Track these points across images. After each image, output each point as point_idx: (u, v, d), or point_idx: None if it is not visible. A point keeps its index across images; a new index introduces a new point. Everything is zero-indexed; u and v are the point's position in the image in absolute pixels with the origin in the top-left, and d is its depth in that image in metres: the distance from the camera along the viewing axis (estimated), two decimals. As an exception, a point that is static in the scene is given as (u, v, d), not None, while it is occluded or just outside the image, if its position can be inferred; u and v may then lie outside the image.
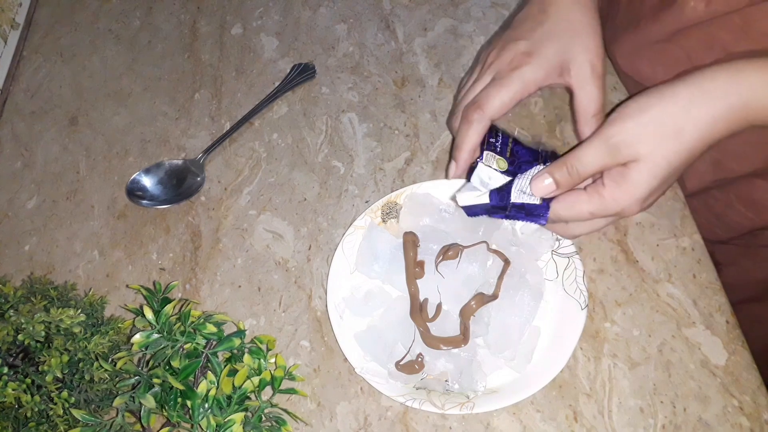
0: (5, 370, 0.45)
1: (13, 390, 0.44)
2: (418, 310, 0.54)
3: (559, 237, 0.55)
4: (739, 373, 0.50)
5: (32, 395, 0.45)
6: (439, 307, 0.54)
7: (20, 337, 0.46)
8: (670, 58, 0.57)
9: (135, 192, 0.66)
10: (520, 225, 0.57)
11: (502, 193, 0.50)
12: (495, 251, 0.55)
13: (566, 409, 0.50)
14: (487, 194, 0.50)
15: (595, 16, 0.56)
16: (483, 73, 0.57)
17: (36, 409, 0.45)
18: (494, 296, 0.53)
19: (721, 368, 0.51)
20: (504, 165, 0.53)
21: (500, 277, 0.54)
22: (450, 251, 0.54)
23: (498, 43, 0.58)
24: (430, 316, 0.54)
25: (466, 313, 0.52)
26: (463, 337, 0.52)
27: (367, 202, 0.63)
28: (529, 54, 0.54)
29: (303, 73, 0.73)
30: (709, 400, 0.49)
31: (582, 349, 0.53)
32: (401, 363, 0.52)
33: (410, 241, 0.56)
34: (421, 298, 0.55)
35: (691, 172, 0.63)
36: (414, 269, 0.55)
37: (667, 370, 0.51)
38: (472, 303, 0.52)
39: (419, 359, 0.52)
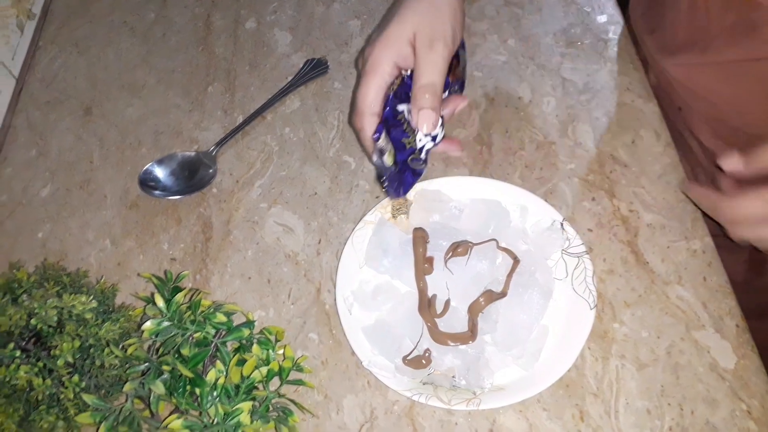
0: (18, 353, 0.46)
1: (26, 373, 0.45)
2: (426, 305, 0.54)
3: (571, 237, 0.55)
4: (748, 378, 0.50)
5: (44, 379, 0.46)
6: (447, 303, 0.54)
7: (33, 321, 0.46)
8: (743, 78, 0.57)
9: (147, 182, 0.66)
10: (530, 224, 0.57)
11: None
12: (504, 249, 0.55)
13: (573, 409, 0.50)
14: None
15: None
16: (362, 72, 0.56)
17: (47, 393, 0.46)
18: (503, 294, 0.53)
19: (730, 372, 0.50)
20: (392, 155, 0.55)
21: (509, 275, 0.54)
22: (459, 248, 0.55)
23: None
24: (438, 312, 0.54)
25: (474, 310, 0.53)
26: (471, 334, 0.52)
27: (377, 197, 0.64)
28: (378, 40, 0.53)
29: (316, 68, 0.73)
30: (717, 403, 0.49)
31: (590, 349, 0.53)
32: (408, 358, 0.52)
33: (420, 237, 0.56)
34: (430, 294, 0.55)
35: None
36: (423, 265, 0.55)
37: (675, 372, 0.51)
38: (481, 300, 0.52)
39: (426, 354, 0.52)
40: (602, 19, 0.75)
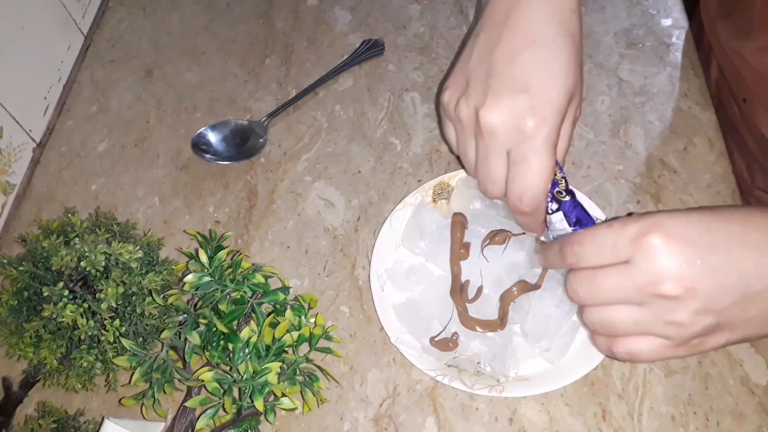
0: (66, 293, 0.48)
1: (71, 312, 0.47)
2: (458, 290, 0.54)
3: None
4: (780, 396, 0.49)
5: (87, 320, 0.48)
6: (479, 290, 0.54)
7: (83, 264, 0.48)
8: None
9: (200, 146, 0.68)
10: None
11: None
12: (543, 243, 0.55)
13: (596, 407, 0.50)
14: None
15: (579, 28, 0.46)
16: (490, 148, 0.45)
17: (89, 333, 0.48)
18: (537, 286, 0.53)
19: (762, 387, 0.50)
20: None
21: (545, 269, 0.54)
22: (497, 236, 0.55)
23: (482, 94, 0.45)
24: (469, 298, 0.54)
25: (506, 299, 0.53)
26: (500, 322, 0.52)
27: (419, 180, 0.64)
28: (536, 112, 0.43)
29: (372, 48, 0.74)
30: (745, 417, 0.49)
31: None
32: (436, 339, 0.53)
33: (459, 222, 0.56)
34: (463, 279, 0.55)
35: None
36: (459, 250, 0.56)
37: (704, 382, 0.50)
38: (514, 289, 0.53)
39: (454, 338, 0.53)
40: (667, 22, 0.73)
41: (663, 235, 0.36)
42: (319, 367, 0.50)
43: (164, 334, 0.48)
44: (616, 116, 0.66)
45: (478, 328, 0.53)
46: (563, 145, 0.46)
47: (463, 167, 0.52)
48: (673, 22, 0.73)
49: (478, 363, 0.52)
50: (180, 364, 0.50)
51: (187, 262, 0.52)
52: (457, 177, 0.60)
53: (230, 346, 0.47)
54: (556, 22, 0.44)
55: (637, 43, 0.71)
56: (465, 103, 0.46)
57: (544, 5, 0.44)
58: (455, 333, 0.53)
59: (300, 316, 0.51)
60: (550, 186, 0.45)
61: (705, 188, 0.60)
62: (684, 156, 0.62)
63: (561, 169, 0.47)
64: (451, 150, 0.52)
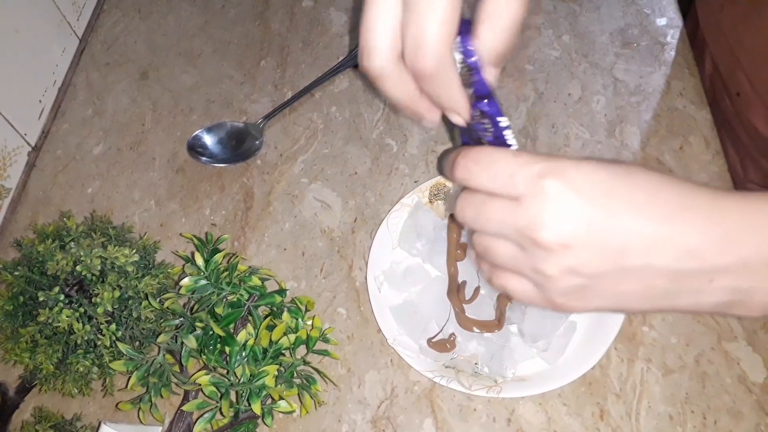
0: (62, 297, 0.48)
1: (67, 317, 0.47)
2: (455, 290, 0.54)
3: None
4: (777, 394, 0.49)
5: (83, 324, 0.48)
6: (477, 290, 0.54)
7: (78, 268, 0.48)
8: None
9: (195, 148, 0.68)
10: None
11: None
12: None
13: (593, 407, 0.50)
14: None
15: None
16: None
17: (86, 338, 0.48)
18: (533, 286, 0.53)
19: (759, 386, 0.50)
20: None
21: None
22: (494, 237, 0.55)
23: None
24: (467, 299, 0.54)
25: (503, 300, 0.53)
26: (497, 323, 0.52)
27: (416, 181, 0.64)
28: None
29: (368, 50, 0.74)
30: (742, 416, 0.49)
31: (616, 349, 0.52)
32: (433, 340, 0.53)
33: (455, 223, 0.56)
34: (460, 280, 0.55)
35: None
36: (456, 251, 0.56)
37: (702, 381, 0.50)
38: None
39: (451, 339, 0.53)
40: (662, 22, 0.73)
41: (560, 184, 0.34)
42: (316, 369, 0.50)
43: (161, 338, 0.48)
44: (612, 116, 0.66)
45: (475, 329, 0.53)
46: (500, 35, 0.36)
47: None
48: (668, 22, 0.73)
49: (476, 364, 0.52)
50: (177, 368, 0.50)
51: (184, 266, 0.52)
52: (453, 178, 0.60)
53: (227, 349, 0.47)
54: None
55: (632, 42, 0.71)
56: None
57: None
58: (452, 334, 0.53)
59: (297, 319, 0.50)
60: (448, 35, 0.34)
61: (701, 187, 0.60)
62: (680, 155, 0.63)
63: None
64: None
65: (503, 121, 0.38)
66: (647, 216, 0.33)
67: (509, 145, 0.39)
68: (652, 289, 0.34)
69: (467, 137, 0.42)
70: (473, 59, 0.37)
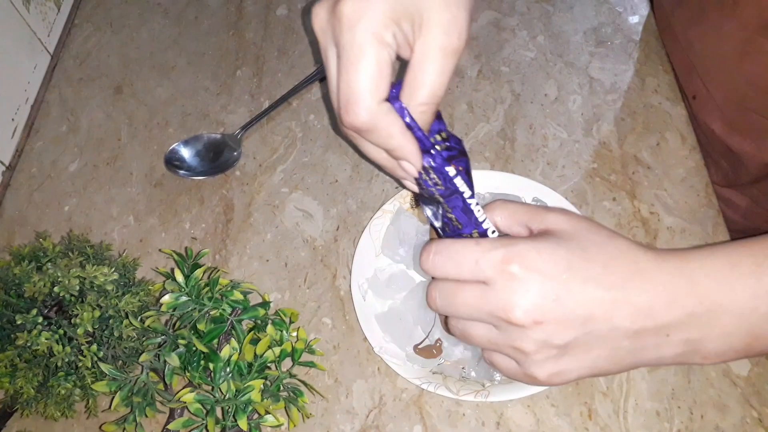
0: (40, 320, 0.47)
1: (46, 339, 0.46)
2: (440, 296, 0.54)
3: None
4: (761, 385, 0.50)
5: (63, 346, 0.47)
6: (461, 295, 0.54)
7: (56, 289, 0.47)
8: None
9: (173, 162, 0.67)
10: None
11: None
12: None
13: (581, 406, 0.50)
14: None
15: None
16: (322, 48, 0.40)
17: (66, 360, 0.47)
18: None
19: (743, 379, 0.50)
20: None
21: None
22: (476, 241, 0.55)
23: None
24: (451, 303, 0.54)
25: (487, 303, 0.53)
26: (483, 326, 0.52)
27: (397, 187, 0.64)
28: (359, 6, 0.36)
29: (344, 56, 0.74)
30: (728, 409, 0.49)
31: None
32: (420, 347, 0.52)
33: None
34: (445, 285, 0.55)
35: (756, 156, 0.62)
36: (439, 256, 0.56)
37: (687, 376, 0.51)
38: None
39: (438, 344, 0.53)
40: (634, 19, 0.74)
41: (524, 267, 0.37)
42: (303, 381, 0.50)
43: (143, 357, 0.47)
44: (589, 115, 0.66)
45: (461, 334, 0.53)
46: (427, 78, 0.38)
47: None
48: (640, 19, 0.74)
49: (463, 368, 0.52)
50: (161, 386, 0.50)
51: (164, 282, 0.51)
52: (433, 182, 0.60)
53: (211, 365, 0.46)
54: None
55: (606, 41, 0.72)
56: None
57: None
58: (439, 340, 0.53)
59: (282, 331, 0.50)
60: (376, 88, 0.37)
61: (679, 182, 0.61)
62: (657, 151, 0.63)
63: (440, 121, 0.42)
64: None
65: (450, 171, 0.41)
66: (604, 286, 0.38)
67: (461, 192, 0.42)
68: (618, 350, 0.38)
69: (429, 208, 0.45)
70: (406, 119, 0.39)
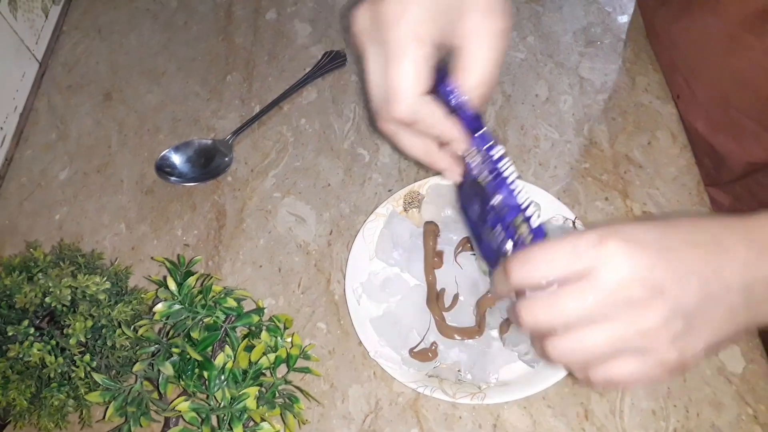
0: (32, 331, 0.47)
1: (39, 350, 0.46)
2: (434, 299, 0.54)
3: None
4: (756, 382, 0.50)
5: (56, 357, 0.47)
6: (455, 297, 0.54)
7: (48, 299, 0.47)
8: (752, 50, 0.56)
9: (164, 168, 0.67)
10: (542, 222, 0.57)
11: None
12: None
13: (577, 407, 0.50)
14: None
15: None
16: (364, 51, 0.41)
17: (59, 371, 0.47)
18: (512, 290, 0.53)
19: (738, 376, 0.50)
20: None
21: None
22: (470, 242, 0.55)
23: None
24: (446, 306, 0.54)
25: (482, 305, 0.53)
26: (478, 329, 0.52)
27: (390, 190, 0.64)
28: (399, 7, 0.38)
29: (334, 60, 0.74)
30: (724, 407, 0.49)
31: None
32: (415, 350, 0.52)
33: (431, 231, 0.56)
34: (439, 287, 0.55)
35: (738, 155, 0.62)
36: (433, 259, 0.56)
37: (682, 375, 0.51)
38: (489, 295, 0.53)
39: (433, 347, 0.52)
40: (623, 19, 0.74)
41: (622, 240, 0.34)
42: (298, 387, 0.50)
43: (136, 367, 0.47)
44: (580, 115, 0.66)
45: (456, 336, 0.53)
46: (484, 63, 0.39)
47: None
48: (629, 19, 0.74)
49: (459, 371, 0.52)
50: (156, 395, 0.49)
51: (157, 290, 0.51)
52: (427, 185, 0.60)
53: (205, 373, 0.46)
54: None
55: (596, 40, 0.72)
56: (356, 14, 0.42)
57: None
58: (434, 343, 0.53)
59: (276, 337, 0.50)
60: (416, 83, 0.39)
61: (671, 181, 0.61)
62: (648, 150, 0.63)
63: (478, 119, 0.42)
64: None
65: (497, 151, 0.41)
66: (703, 245, 0.36)
67: (506, 179, 0.40)
68: (736, 308, 0.36)
69: (469, 207, 0.44)
70: (454, 100, 0.40)
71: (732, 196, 0.60)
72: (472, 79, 0.40)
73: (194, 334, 0.47)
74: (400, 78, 0.38)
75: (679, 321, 0.35)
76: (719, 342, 0.37)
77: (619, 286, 0.34)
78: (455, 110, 0.41)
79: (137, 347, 0.49)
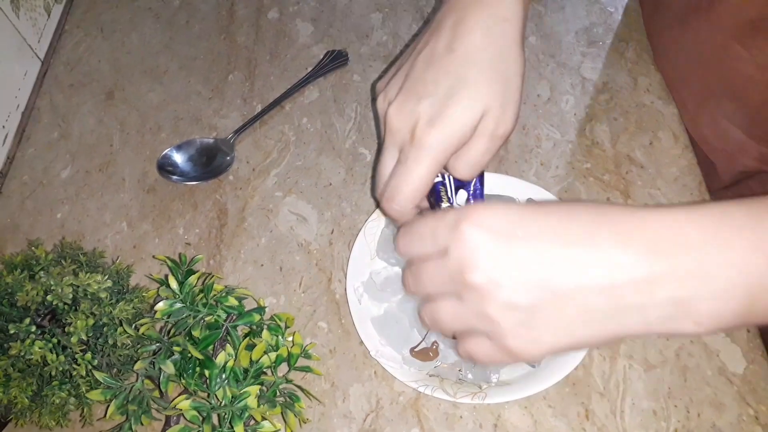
0: (33, 329, 0.47)
1: (40, 348, 0.46)
2: (436, 298, 0.54)
3: None
4: (757, 383, 0.50)
5: (57, 355, 0.47)
6: (457, 297, 0.54)
7: (49, 298, 0.47)
8: (740, 58, 0.56)
9: (166, 167, 0.67)
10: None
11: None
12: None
13: (578, 407, 0.50)
14: None
15: (517, 42, 0.44)
16: (387, 143, 0.46)
17: (60, 369, 0.47)
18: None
19: (739, 376, 0.50)
20: None
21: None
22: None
23: (397, 94, 0.45)
24: (447, 306, 0.54)
25: (483, 305, 0.53)
26: (479, 328, 0.52)
27: (391, 190, 0.64)
28: (433, 122, 0.42)
29: (336, 59, 0.74)
30: (724, 407, 0.49)
31: (598, 348, 0.53)
32: (416, 350, 0.52)
33: (432, 231, 0.56)
34: (440, 287, 0.55)
35: (729, 163, 0.62)
36: (434, 258, 0.56)
37: (683, 374, 0.51)
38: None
39: (434, 347, 0.52)
40: (625, 19, 0.74)
41: (474, 224, 0.35)
42: (299, 386, 0.50)
43: (138, 365, 0.47)
44: (581, 115, 0.66)
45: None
46: (476, 158, 0.44)
47: None
48: (631, 19, 0.74)
49: (460, 371, 0.52)
50: (157, 393, 0.49)
51: (158, 289, 0.51)
52: (427, 184, 0.60)
53: (206, 372, 0.46)
54: (489, 36, 0.43)
55: (598, 41, 0.72)
56: (382, 98, 0.46)
57: (482, 20, 0.43)
58: (435, 342, 0.53)
59: (277, 336, 0.50)
60: (421, 195, 0.45)
61: (672, 181, 0.61)
62: (650, 151, 0.63)
63: (480, 181, 0.48)
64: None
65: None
66: (564, 237, 0.34)
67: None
68: (594, 311, 0.34)
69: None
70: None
71: None
72: (459, 171, 0.45)
73: (195, 333, 0.47)
74: (406, 186, 0.44)
75: (516, 313, 0.35)
76: (582, 342, 0.35)
77: (462, 268, 0.36)
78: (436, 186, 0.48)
79: (138, 345, 0.49)
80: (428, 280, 0.39)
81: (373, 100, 0.68)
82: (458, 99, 0.42)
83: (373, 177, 0.64)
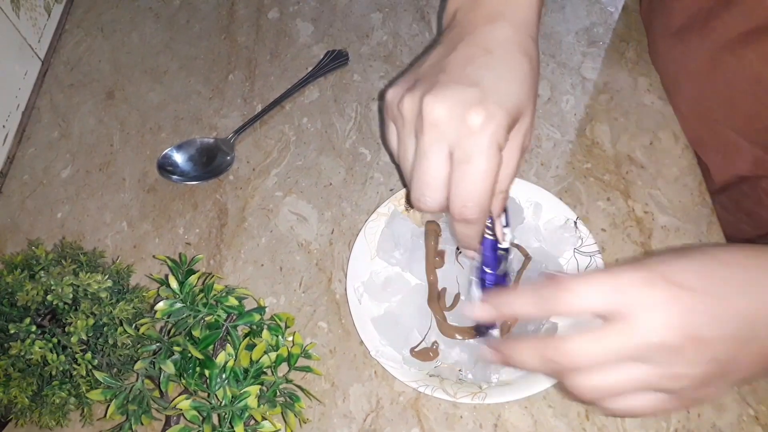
0: (33, 329, 0.47)
1: (40, 348, 0.46)
2: (436, 298, 0.54)
3: (584, 236, 0.55)
4: (757, 383, 0.50)
5: (58, 355, 0.47)
6: (457, 297, 0.54)
7: (49, 298, 0.47)
8: (735, 67, 0.56)
9: (166, 167, 0.67)
10: (544, 221, 0.57)
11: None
12: (517, 245, 0.55)
13: (579, 407, 0.50)
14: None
15: (537, 56, 0.45)
16: (431, 142, 0.40)
17: (60, 369, 0.47)
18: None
19: (739, 377, 0.50)
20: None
21: (520, 272, 0.54)
22: (471, 242, 0.55)
23: (430, 86, 0.40)
24: (447, 306, 0.54)
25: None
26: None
27: (391, 190, 0.64)
28: (485, 103, 0.39)
29: (336, 59, 0.74)
30: (725, 407, 0.49)
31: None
32: (416, 350, 0.52)
33: (432, 231, 0.56)
34: (440, 287, 0.55)
35: (722, 167, 0.62)
36: (434, 258, 0.56)
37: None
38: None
39: (434, 347, 0.52)
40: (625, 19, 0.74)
41: (667, 282, 0.33)
42: (299, 386, 0.50)
43: (138, 365, 0.47)
44: (582, 114, 0.66)
45: (457, 336, 0.53)
46: (509, 171, 0.42)
47: (401, 177, 0.50)
48: (632, 19, 0.74)
49: (460, 371, 0.52)
50: (157, 393, 0.49)
51: (158, 288, 0.51)
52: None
53: (206, 372, 0.46)
54: (515, 42, 0.43)
55: (598, 41, 0.72)
56: (410, 96, 0.41)
57: (506, 28, 0.43)
58: (435, 342, 0.53)
59: (277, 336, 0.50)
60: (491, 194, 0.41)
61: (673, 182, 0.61)
62: (650, 151, 0.63)
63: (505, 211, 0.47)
64: (392, 159, 0.50)
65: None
66: (744, 288, 0.34)
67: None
68: (762, 356, 0.35)
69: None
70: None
71: (719, 205, 0.60)
72: (500, 186, 0.42)
73: (195, 333, 0.47)
74: (482, 185, 0.40)
75: (713, 367, 0.34)
76: (745, 380, 0.37)
77: (658, 332, 0.33)
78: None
79: (139, 345, 0.49)
80: (606, 350, 0.34)
81: (380, 110, 0.68)
82: (510, 80, 0.41)
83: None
